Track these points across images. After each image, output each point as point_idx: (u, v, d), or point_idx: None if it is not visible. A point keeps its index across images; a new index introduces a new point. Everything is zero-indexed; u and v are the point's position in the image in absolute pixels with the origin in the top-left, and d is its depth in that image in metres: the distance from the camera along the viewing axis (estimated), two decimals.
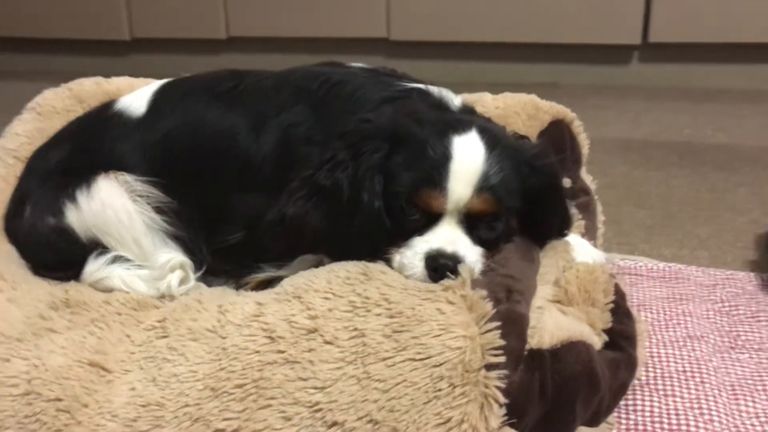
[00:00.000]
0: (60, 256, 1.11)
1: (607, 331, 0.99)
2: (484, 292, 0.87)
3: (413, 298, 0.88)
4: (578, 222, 1.29)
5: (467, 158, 0.94)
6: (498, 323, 0.84)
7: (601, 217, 1.40)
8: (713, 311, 1.33)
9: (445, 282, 0.90)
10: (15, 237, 1.18)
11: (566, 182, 1.33)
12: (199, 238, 1.11)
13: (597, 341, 0.97)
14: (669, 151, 2.23)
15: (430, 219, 0.95)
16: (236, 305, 0.94)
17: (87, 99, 1.42)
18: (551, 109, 1.37)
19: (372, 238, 0.97)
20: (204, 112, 1.14)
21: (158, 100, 1.17)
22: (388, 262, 0.97)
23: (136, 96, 1.19)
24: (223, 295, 1.01)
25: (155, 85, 1.22)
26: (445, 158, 0.94)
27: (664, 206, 1.83)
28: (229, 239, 1.09)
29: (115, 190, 1.08)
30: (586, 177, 1.42)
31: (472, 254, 0.95)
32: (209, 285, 1.09)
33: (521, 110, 1.33)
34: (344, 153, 0.98)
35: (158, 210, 1.09)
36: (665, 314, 1.32)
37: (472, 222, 0.95)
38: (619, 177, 2.04)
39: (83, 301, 1.03)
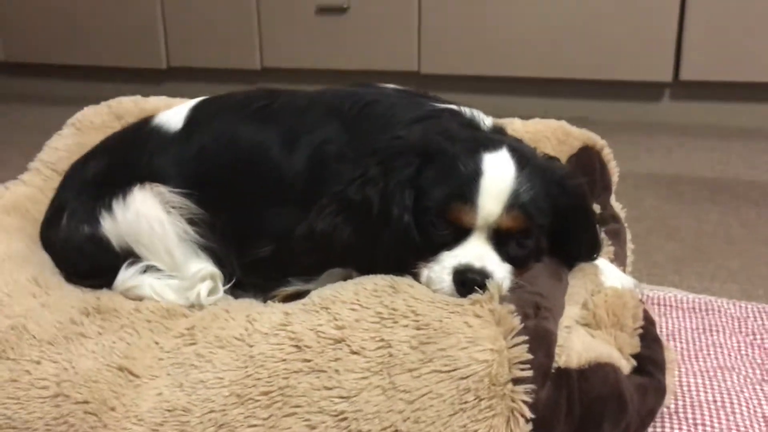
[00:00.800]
0: (93, 264, 1.13)
1: (635, 357, 0.98)
2: (512, 307, 0.87)
3: (440, 310, 0.88)
4: (607, 248, 1.29)
5: (498, 175, 0.95)
6: (526, 338, 0.84)
7: (630, 246, 1.39)
8: (744, 343, 1.30)
9: (473, 296, 0.90)
10: (51, 245, 1.21)
11: (595, 208, 1.33)
12: (230, 250, 1.12)
13: (625, 365, 0.96)
14: (700, 187, 2.22)
15: (459, 234, 0.95)
16: (264, 315, 0.95)
17: (125, 116, 1.46)
18: (581, 135, 1.38)
19: (400, 252, 0.97)
20: (238, 128, 1.17)
21: (194, 115, 1.20)
22: (416, 276, 0.97)
23: (173, 112, 1.23)
24: (250, 305, 1.02)
25: (192, 102, 1.25)
26: (476, 174, 0.94)
27: (695, 239, 1.81)
28: (259, 252, 1.11)
29: (149, 200, 1.10)
30: (616, 205, 1.41)
31: (500, 270, 0.95)
32: (237, 298, 1.10)
33: (551, 135, 1.33)
34: (375, 169, 1.00)
35: (191, 221, 1.11)
36: (695, 345, 1.30)
37: (501, 238, 0.96)
38: (650, 210, 2.02)
39: (114, 308, 1.04)
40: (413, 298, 0.91)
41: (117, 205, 1.10)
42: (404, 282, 0.95)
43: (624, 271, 1.21)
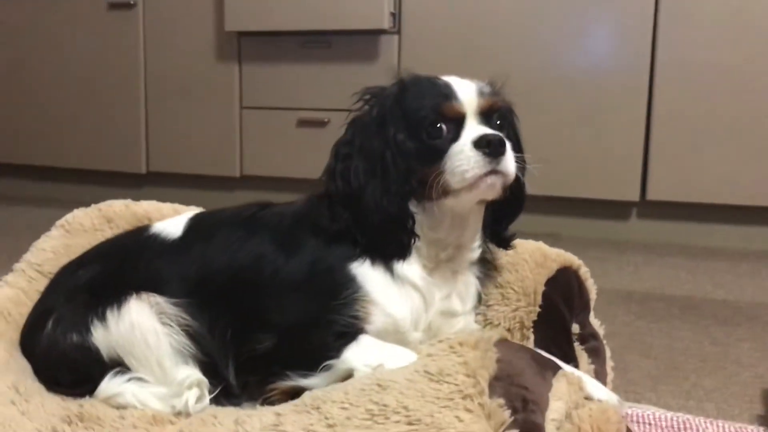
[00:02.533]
0: (77, 373, 1.12)
1: None
2: (501, 401, 0.89)
3: (431, 405, 0.89)
4: (588, 367, 1.32)
5: (463, 81, 1.16)
6: (516, 431, 0.85)
7: (610, 363, 1.42)
8: None
9: (463, 389, 0.91)
10: (32, 351, 1.19)
11: (575, 327, 1.36)
12: (227, 352, 1.13)
13: None
14: (670, 304, 2.27)
15: (457, 126, 1.11)
16: (253, 417, 0.95)
17: (115, 219, 1.48)
18: (558, 257, 1.41)
19: (409, 168, 1.11)
20: (233, 240, 1.20)
21: (193, 226, 1.24)
22: (438, 182, 1.08)
23: (169, 222, 1.27)
24: (238, 410, 1.02)
25: (188, 213, 1.29)
26: (447, 84, 1.15)
27: (668, 357, 1.84)
28: (259, 348, 1.11)
29: (145, 311, 1.11)
30: (595, 322, 1.45)
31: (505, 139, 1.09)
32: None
33: (529, 257, 1.36)
34: (359, 113, 1.17)
35: (187, 333, 1.12)
36: None
37: (485, 119, 1.14)
38: (622, 327, 2.06)
39: (97, 416, 1.03)
40: (402, 393, 0.92)
41: (111, 315, 1.11)
42: (390, 378, 0.96)
43: None
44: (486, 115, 1.14)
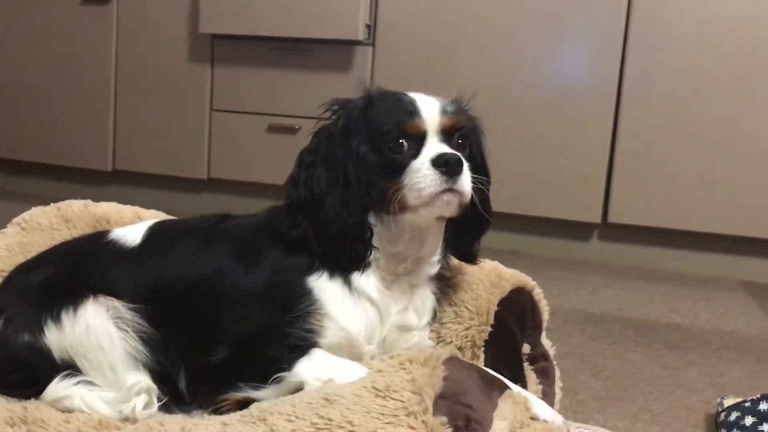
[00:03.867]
0: (26, 374, 1.11)
1: None
2: (444, 419, 0.90)
3: (376, 421, 0.91)
4: (537, 387, 1.34)
5: (427, 99, 1.19)
6: None
7: (558, 383, 1.44)
8: None
9: (408, 406, 0.92)
10: None
11: (525, 348, 1.38)
12: (181, 362, 1.13)
13: None
14: (625, 327, 2.31)
15: (417, 144, 1.14)
16: (200, 425, 0.95)
17: (73, 219, 1.47)
18: (513, 277, 1.43)
19: (369, 181, 1.14)
20: (191, 252, 1.20)
21: (153, 234, 1.25)
22: (398, 196, 1.11)
23: (130, 229, 1.27)
24: (185, 418, 1.02)
25: (149, 221, 1.30)
26: (412, 101, 1.18)
27: (620, 379, 1.87)
28: (213, 359, 1.11)
29: (101, 314, 1.11)
30: (546, 343, 1.47)
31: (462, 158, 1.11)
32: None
33: (484, 277, 1.38)
34: (326, 123, 1.19)
35: (142, 339, 1.11)
36: None
37: (446, 138, 1.16)
38: (577, 347, 2.09)
39: (42, 419, 1.02)
40: (348, 409, 0.93)
41: (66, 316, 1.10)
42: (338, 394, 0.97)
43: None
44: (447, 134, 1.17)
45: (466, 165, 1.12)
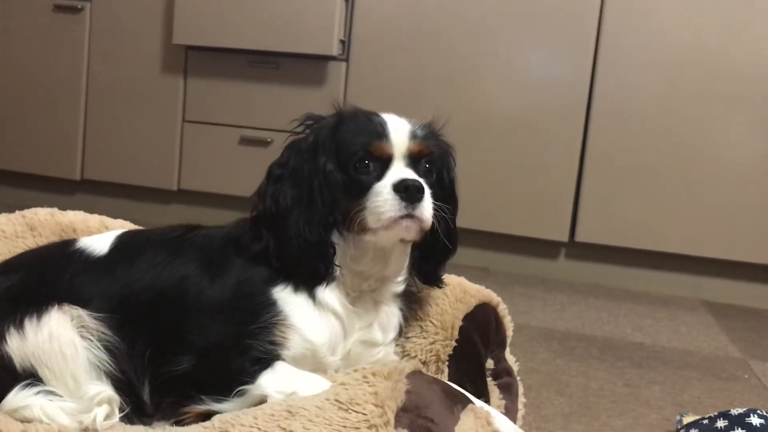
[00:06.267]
0: None
1: None
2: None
3: None
4: (499, 402, 1.35)
5: (398, 121, 1.20)
6: None
7: (522, 399, 1.45)
8: None
9: (370, 419, 0.92)
10: None
11: (489, 363, 1.40)
12: (145, 372, 1.12)
13: None
14: (590, 344, 2.34)
15: (383, 166, 1.15)
16: None
17: (38, 227, 1.46)
18: (478, 293, 1.44)
19: (334, 199, 1.14)
20: (158, 262, 1.20)
21: (120, 243, 1.24)
22: (359, 217, 1.12)
23: (96, 238, 1.26)
24: (147, 430, 1.02)
25: (116, 231, 1.29)
26: (382, 122, 1.18)
27: (583, 396, 1.90)
28: (176, 369, 1.11)
29: (65, 323, 1.10)
30: (510, 358, 1.49)
31: (425, 185, 1.12)
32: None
33: (450, 293, 1.40)
34: (296, 138, 1.20)
35: (105, 349, 1.11)
36: None
37: (413, 163, 1.17)
38: (542, 364, 2.11)
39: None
40: (310, 421, 0.94)
41: (29, 324, 1.09)
42: (300, 406, 0.97)
43: (515, 424, 1.27)
44: (414, 159, 1.17)
45: (428, 192, 1.12)
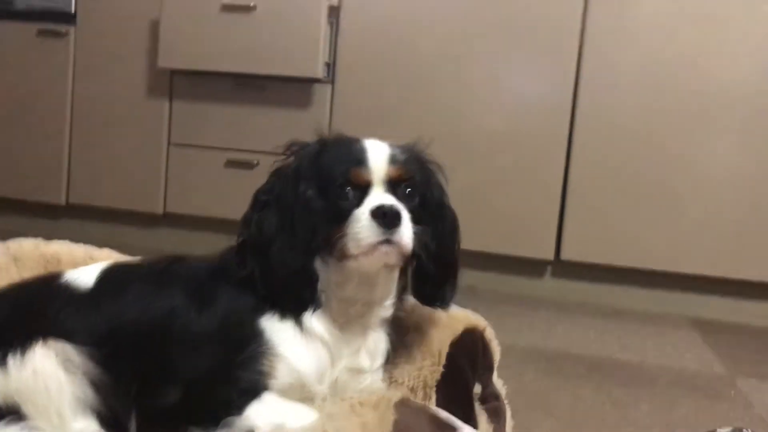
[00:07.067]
0: None
1: None
2: None
3: None
4: (488, 427, 1.35)
5: (378, 147, 1.20)
6: None
7: (510, 422, 1.46)
8: None
9: None
10: None
11: (477, 388, 1.40)
12: (130, 409, 1.12)
13: None
14: (577, 364, 2.34)
15: (362, 193, 1.14)
16: None
17: (23, 258, 1.45)
18: (464, 318, 1.45)
19: (315, 226, 1.15)
20: (145, 293, 1.20)
21: (106, 277, 1.24)
22: (339, 243, 1.12)
23: (82, 271, 1.26)
24: None
25: (102, 263, 1.29)
26: (362, 149, 1.19)
27: (571, 416, 1.90)
28: (163, 402, 1.11)
29: (50, 358, 1.09)
30: (498, 382, 1.49)
31: (405, 211, 1.12)
32: None
33: (436, 318, 1.41)
34: (281, 164, 1.21)
35: (91, 384, 1.10)
36: None
37: (393, 189, 1.16)
38: (529, 384, 2.12)
39: None
40: None
41: (13, 360, 1.08)
42: None
43: None
44: (394, 183, 1.17)
45: (406, 216, 1.12)
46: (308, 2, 3.15)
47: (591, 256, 3.08)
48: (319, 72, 3.16)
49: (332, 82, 3.24)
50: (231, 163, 3.34)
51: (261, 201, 1.19)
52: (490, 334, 1.45)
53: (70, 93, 3.52)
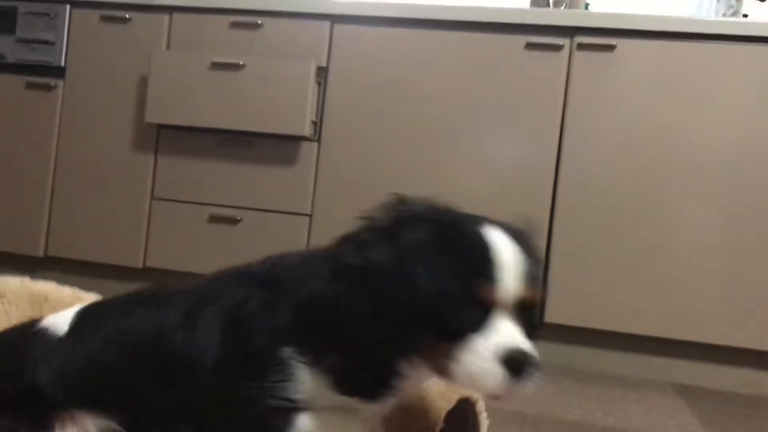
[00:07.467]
0: None
1: None
2: None
3: None
4: None
5: (509, 250, 0.92)
6: None
7: None
8: None
9: None
10: None
11: None
12: None
13: None
14: (561, 428, 2.31)
15: (484, 313, 0.90)
16: None
17: (8, 294, 1.41)
18: (459, 388, 1.43)
19: (420, 328, 0.89)
20: (127, 322, 1.12)
21: (80, 320, 1.16)
22: (437, 366, 0.90)
23: (59, 317, 1.20)
24: None
25: (78, 305, 1.23)
26: (491, 252, 0.91)
27: None
28: None
29: None
30: None
31: (533, 349, 0.90)
32: None
33: (434, 387, 1.38)
34: (373, 233, 0.94)
35: None
36: None
37: (521, 314, 0.92)
38: None
39: None
40: None
41: None
42: None
43: None
44: (524, 308, 0.93)
45: (537, 362, 0.92)
46: (297, 62, 3.20)
47: (575, 319, 3.07)
48: (306, 130, 3.18)
49: (318, 141, 3.26)
50: (214, 218, 3.32)
51: (355, 270, 0.91)
52: (480, 406, 1.42)
53: (55, 145, 3.51)
